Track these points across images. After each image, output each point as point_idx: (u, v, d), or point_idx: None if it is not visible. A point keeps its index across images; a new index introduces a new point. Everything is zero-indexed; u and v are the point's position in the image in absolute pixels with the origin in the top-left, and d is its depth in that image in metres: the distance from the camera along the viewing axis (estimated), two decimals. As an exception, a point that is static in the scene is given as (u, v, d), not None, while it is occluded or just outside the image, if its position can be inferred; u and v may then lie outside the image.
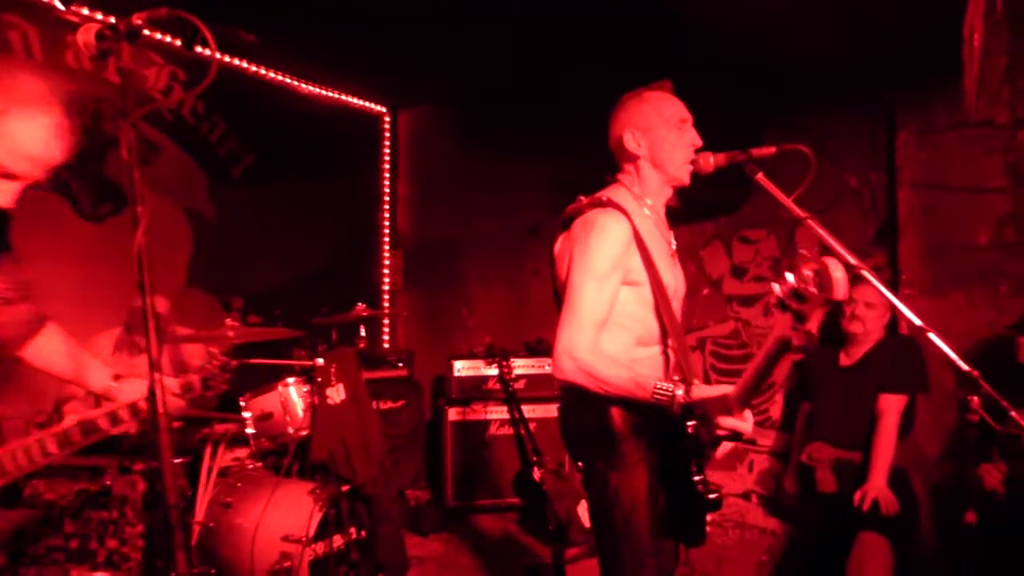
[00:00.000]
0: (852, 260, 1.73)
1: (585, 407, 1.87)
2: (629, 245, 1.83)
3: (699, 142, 1.99)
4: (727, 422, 1.74)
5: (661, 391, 1.70)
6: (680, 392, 1.69)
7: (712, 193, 4.01)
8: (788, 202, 1.83)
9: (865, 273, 1.72)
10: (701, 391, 1.71)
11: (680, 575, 2.31)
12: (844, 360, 3.34)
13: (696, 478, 1.82)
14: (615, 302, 1.84)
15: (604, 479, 1.87)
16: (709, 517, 1.91)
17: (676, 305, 1.96)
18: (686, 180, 2.00)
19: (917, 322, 1.65)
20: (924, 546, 3.17)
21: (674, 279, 1.97)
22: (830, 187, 3.82)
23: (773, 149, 1.86)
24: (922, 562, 3.12)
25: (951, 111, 3.46)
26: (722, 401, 1.72)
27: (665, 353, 1.95)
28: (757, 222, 4.17)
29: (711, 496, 1.86)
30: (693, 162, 1.97)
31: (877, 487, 2.92)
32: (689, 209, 4.23)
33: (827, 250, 1.70)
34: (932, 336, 1.62)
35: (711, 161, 1.96)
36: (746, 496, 4.17)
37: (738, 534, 4.10)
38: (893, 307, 3.31)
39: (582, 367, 1.76)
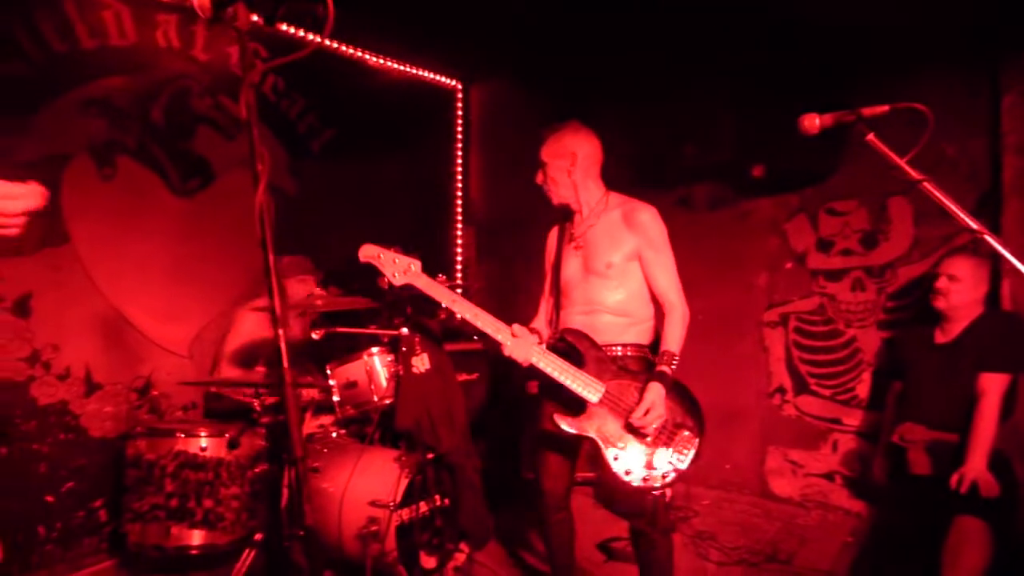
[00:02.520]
0: (974, 225, 1.64)
1: None
2: (551, 248, 2.79)
3: (537, 181, 2.69)
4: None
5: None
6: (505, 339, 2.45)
7: (797, 163, 3.90)
8: (903, 164, 1.74)
9: (988, 238, 1.63)
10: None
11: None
12: (940, 337, 3.19)
13: (612, 444, 2.36)
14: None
15: None
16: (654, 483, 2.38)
17: (572, 280, 2.60)
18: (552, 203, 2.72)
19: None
20: (1025, 532, 3.02)
21: (569, 264, 2.65)
22: (925, 156, 3.62)
23: (886, 107, 1.77)
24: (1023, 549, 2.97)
25: (1065, 71, 3.24)
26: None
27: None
28: (846, 193, 3.99)
29: (619, 467, 2.35)
30: (798, 124, 1.89)
31: (976, 469, 2.79)
32: (773, 181, 4.12)
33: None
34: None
35: (816, 123, 1.88)
36: (829, 476, 4.06)
37: (820, 515, 3.99)
38: (998, 281, 3.19)
39: None
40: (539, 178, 2.66)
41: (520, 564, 3.29)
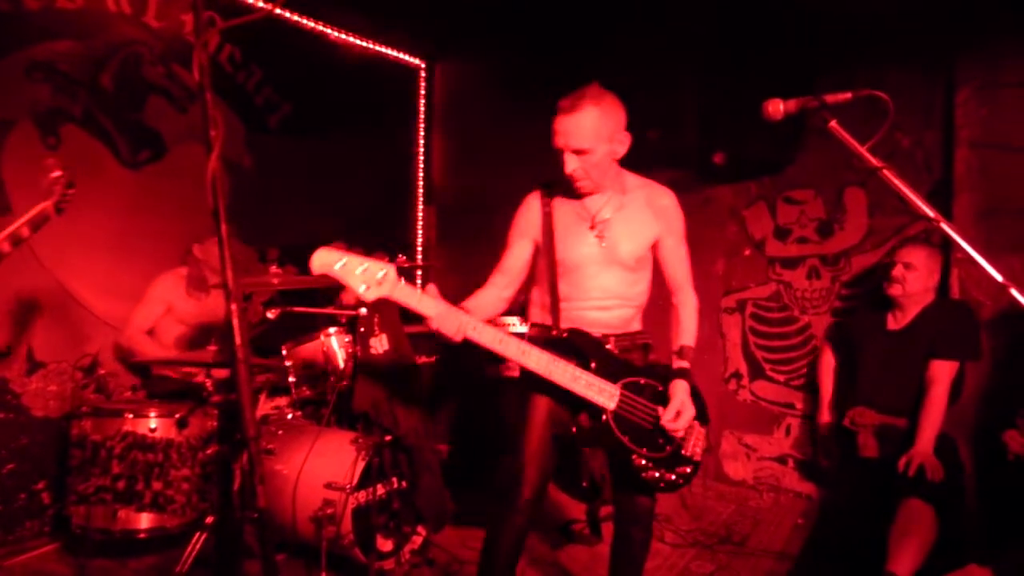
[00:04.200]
0: (931, 213, 1.66)
1: None
2: (533, 219, 2.28)
3: (570, 173, 2.16)
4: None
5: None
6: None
7: (757, 152, 3.93)
8: (863, 151, 1.74)
9: (944, 227, 1.64)
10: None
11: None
12: (892, 324, 3.26)
13: (637, 451, 2.16)
14: (519, 259, 2.31)
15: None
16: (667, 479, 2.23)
17: (588, 270, 2.24)
18: (579, 193, 2.24)
19: (999, 278, 1.57)
20: (968, 514, 3.12)
21: (583, 248, 2.25)
22: (881, 147, 3.66)
23: (849, 95, 1.77)
24: (966, 530, 3.07)
25: (1017, 66, 3.31)
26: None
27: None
28: (803, 182, 4.05)
29: (651, 473, 2.18)
30: (763, 108, 1.88)
31: (923, 453, 2.87)
32: (733, 168, 4.15)
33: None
34: (1015, 293, 1.55)
35: (780, 108, 1.87)
36: (782, 460, 4.14)
37: (772, 497, 4.08)
38: (948, 271, 3.27)
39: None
40: (571, 166, 2.14)
41: (478, 547, 3.28)
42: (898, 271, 3.15)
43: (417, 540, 3.01)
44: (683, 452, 2.23)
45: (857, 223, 3.88)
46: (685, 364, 2.26)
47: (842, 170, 3.87)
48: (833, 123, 1.80)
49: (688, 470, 2.24)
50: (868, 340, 3.35)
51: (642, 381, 2.22)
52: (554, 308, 2.25)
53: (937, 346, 3.04)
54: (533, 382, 2.15)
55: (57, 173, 2.27)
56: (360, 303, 2.06)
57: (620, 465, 2.20)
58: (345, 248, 1.98)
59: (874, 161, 1.74)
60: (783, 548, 3.36)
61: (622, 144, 2.21)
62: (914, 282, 3.13)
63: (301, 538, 2.77)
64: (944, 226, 1.65)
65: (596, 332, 2.23)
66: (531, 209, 2.31)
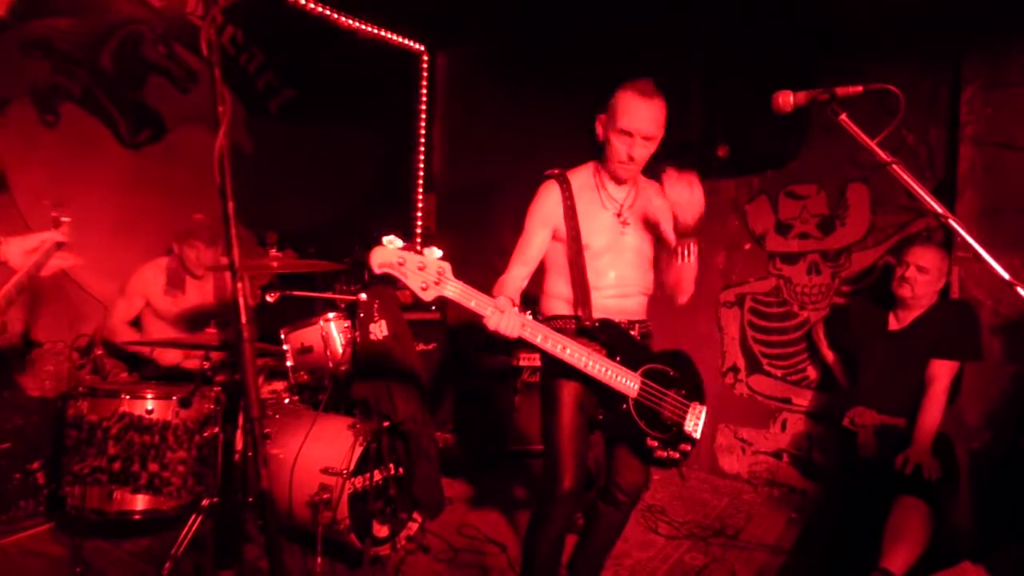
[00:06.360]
0: (939, 209, 1.65)
1: None
2: (554, 206, 2.25)
3: (632, 157, 2.20)
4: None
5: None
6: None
7: (761, 146, 3.92)
8: (873, 146, 1.74)
9: (953, 224, 1.63)
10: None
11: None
12: (894, 324, 3.26)
13: (651, 434, 2.24)
14: (539, 248, 2.28)
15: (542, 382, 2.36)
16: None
17: (611, 255, 2.28)
18: (618, 178, 2.29)
19: (1006, 276, 1.57)
20: (961, 512, 3.13)
21: (609, 233, 2.28)
22: (886, 143, 3.66)
23: (860, 88, 1.76)
24: (958, 528, 3.08)
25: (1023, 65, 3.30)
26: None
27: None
28: (806, 177, 4.04)
29: (659, 452, 2.26)
30: (772, 100, 1.87)
31: (921, 452, 2.88)
32: (736, 162, 4.14)
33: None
34: (1022, 291, 1.54)
35: (790, 100, 1.86)
36: (777, 455, 4.15)
37: (767, 492, 4.09)
38: (949, 273, 3.27)
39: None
40: (640, 153, 2.20)
41: (473, 535, 3.28)
42: (911, 273, 3.12)
43: (413, 527, 3.01)
44: (684, 431, 2.31)
45: (859, 219, 3.87)
46: None
47: (845, 165, 3.85)
48: (843, 116, 1.79)
49: (688, 447, 2.32)
50: (869, 340, 3.34)
51: (658, 367, 2.29)
52: (583, 297, 2.24)
53: (939, 346, 3.04)
54: (559, 368, 2.15)
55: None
56: (365, 288, 2.05)
57: (633, 447, 2.28)
58: (406, 247, 1.86)
59: (884, 156, 1.73)
60: (776, 542, 3.36)
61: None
62: (926, 285, 3.12)
63: (297, 523, 2.77)
64: (953, 223, 1.65)
65: (621, 320, 2.28)
66: (551, 197, 2.27)
